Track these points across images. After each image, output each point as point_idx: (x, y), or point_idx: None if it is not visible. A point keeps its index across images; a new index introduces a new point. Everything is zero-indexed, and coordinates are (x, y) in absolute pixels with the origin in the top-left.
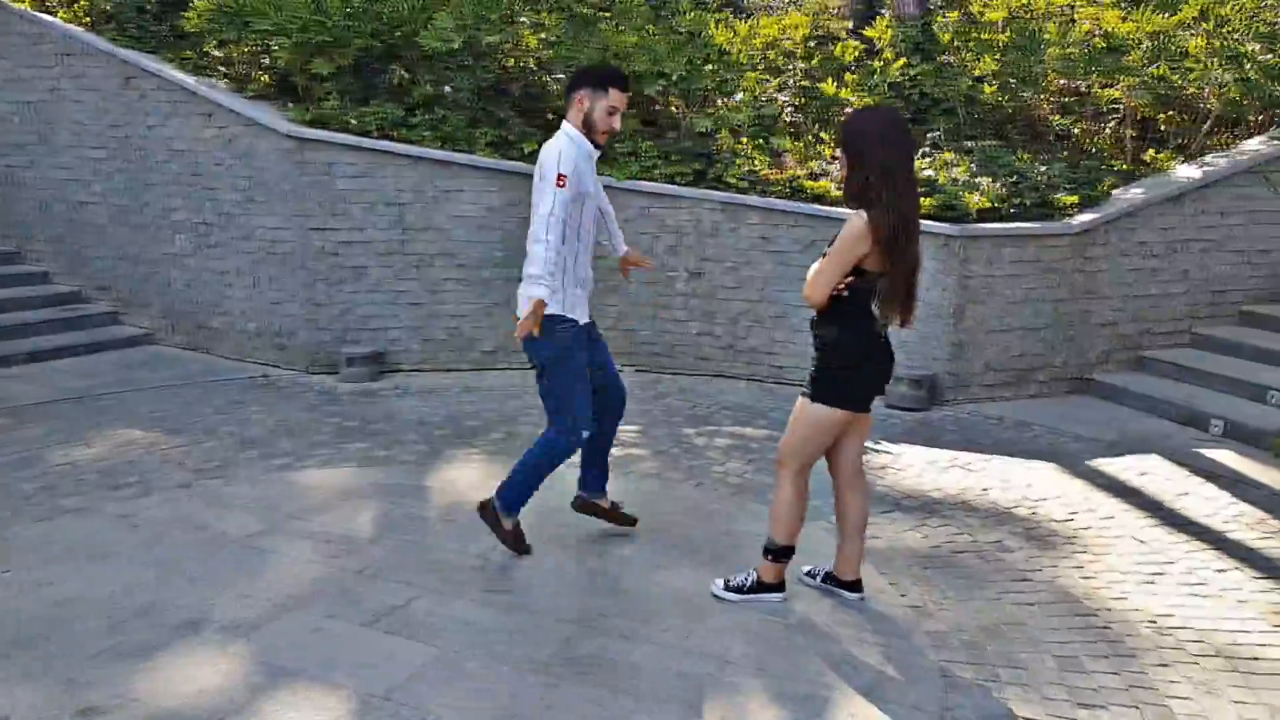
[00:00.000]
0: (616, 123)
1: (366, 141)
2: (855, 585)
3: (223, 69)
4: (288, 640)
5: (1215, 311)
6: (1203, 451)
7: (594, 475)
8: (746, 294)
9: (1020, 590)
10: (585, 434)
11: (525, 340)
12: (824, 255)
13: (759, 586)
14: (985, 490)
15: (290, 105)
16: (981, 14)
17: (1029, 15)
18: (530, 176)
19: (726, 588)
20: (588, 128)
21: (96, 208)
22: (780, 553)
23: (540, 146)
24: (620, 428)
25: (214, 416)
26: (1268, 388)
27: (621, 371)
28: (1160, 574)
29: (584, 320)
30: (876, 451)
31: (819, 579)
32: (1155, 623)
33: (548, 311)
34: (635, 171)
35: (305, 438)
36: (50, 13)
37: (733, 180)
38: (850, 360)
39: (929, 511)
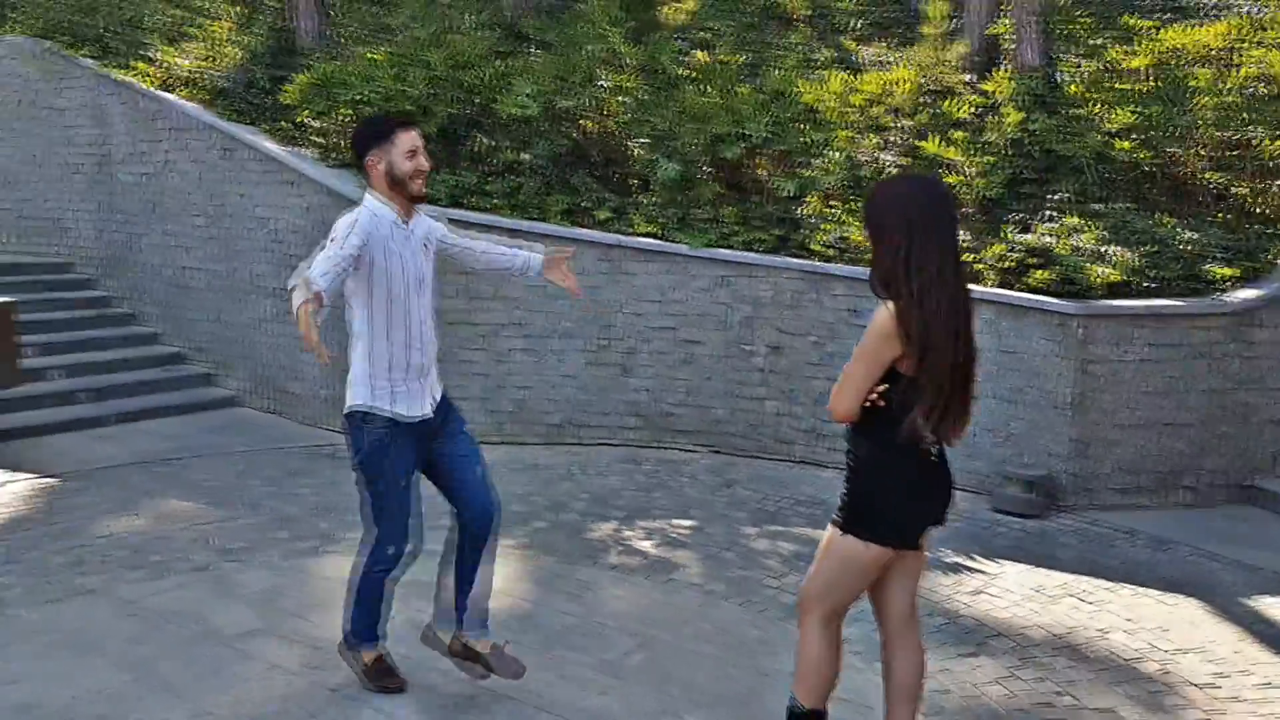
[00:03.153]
0: (423, 161)
1: (433, 210)
2: None
3: (317, 139)
4: None
5: None
6: None
7: (457, 609)
8: (831, 372)
9: None
10: (405, 548)
11: (347, 436)
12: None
13: None
14: (1103, 632)
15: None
16: (1121, 62)
17: (1178, 61)
18: (600, 245)
19: None
20: (397, 185)
21: (196, 273)
22: (805, 719)
23: (615, 214)
24: (673, 522)
25: (264, 489)
26: None
27: (695, 454)
28: None
29: (415, 414)
30: (971, 570)
31: None
32: None
33: (356, 404)
34: (712, 239)
35: (343, 517)
36: (170, 90)
37: (817, 247)
38: (891, 484)
39: (1023, 657)
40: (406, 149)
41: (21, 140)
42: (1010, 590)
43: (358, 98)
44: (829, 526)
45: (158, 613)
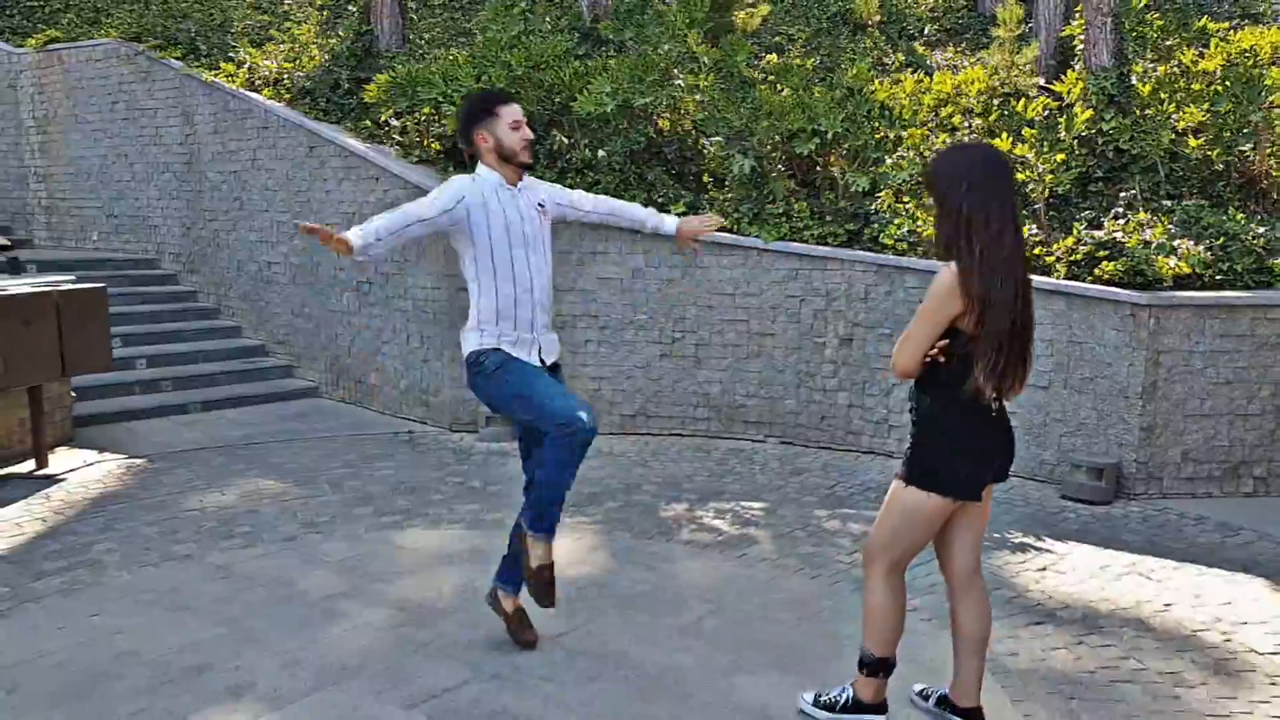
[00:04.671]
0: (527, 131)
1: None
2: (974, 714)
3: (397, 137)
4: (322, 717)
5: None
6: None
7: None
8: None
9: None
10: (586, 414)
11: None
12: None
13: (854, 706)
14: (1168, 606)
15: (452, 170)
16: (1195, 64)
17: (1251, 62)
18: (675, 238)
19: (816, 703)
20: (506, 156)
21: (279, 267)
22: (875, 666)
23: (689, 209)
24: (744, 504)
25: (344, 470)
26: None
27: (764, 444)
28: None
29: (523, 359)
30: (1039, 550)
31: (931, 701)
32: None
33: (469, 351)
34: (785, 232)
35: (423, 495)
36: (255, 91)
37: (889, 241)
38: (952, 438)
39: (1090, 627)
40: (510, 122)
41: (113, 140)
42: (1077, 568)
43: (439, 97)
44: (894, 480)
45: (247, 576)
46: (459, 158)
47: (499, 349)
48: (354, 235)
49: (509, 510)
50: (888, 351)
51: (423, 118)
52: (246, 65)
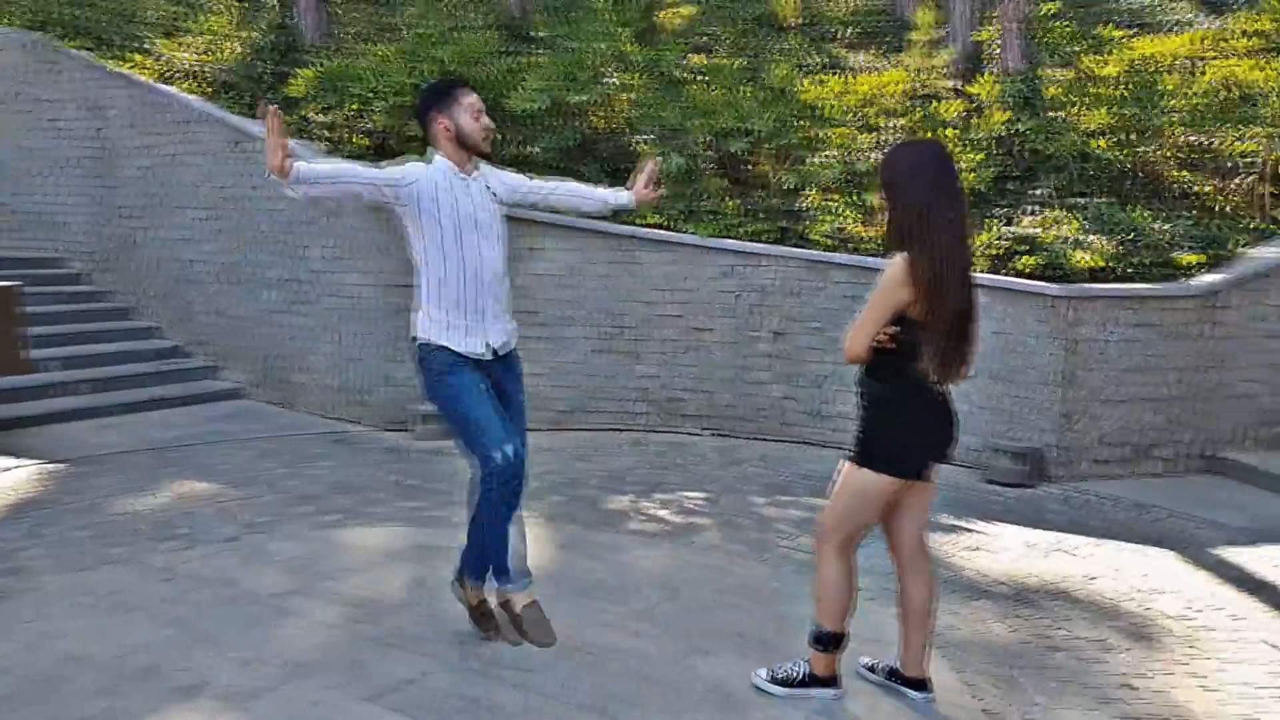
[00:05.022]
0: (485, 119)
1: None
2: (921, 684)
3: (325, 133)
4: (282, 713)
5: None
6: None
7: (475, 560)
8: (833, 356)
9: (1124, 700)
10: (508, 450)
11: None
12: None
13: (808, 680)
14: (1091, 579)
15: (382, 164)
16: (1095, 70)
17: (1150, 68)
18: (612, 235)
19: (771, 679)
20: (466, 143)
21: (201, 266)
22: (828, 641)
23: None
24: (687, 494)
25: (280, 470)
26: None
27: (701, 437)
28: None
29: (474, 351)
30: (969, 531)
31: (881, 674)
32: None
33: (415, 335)
34: (718, 229)
35: (363, 494)
36: (169, 83)
37: (818, 238)
38: (900, 420)
39: (1022, 601)
40: (473, 108)
41: (11, 133)
42: (1007, 548)
43: (368, 92)
44: (843, 462)
45: (191, 577)
46: (388, 153)
47: (446, 347)
48: (298, 163)
49: (452, 507)
50: (819, 344)
51: (350, 113)
52: (161, 57)
